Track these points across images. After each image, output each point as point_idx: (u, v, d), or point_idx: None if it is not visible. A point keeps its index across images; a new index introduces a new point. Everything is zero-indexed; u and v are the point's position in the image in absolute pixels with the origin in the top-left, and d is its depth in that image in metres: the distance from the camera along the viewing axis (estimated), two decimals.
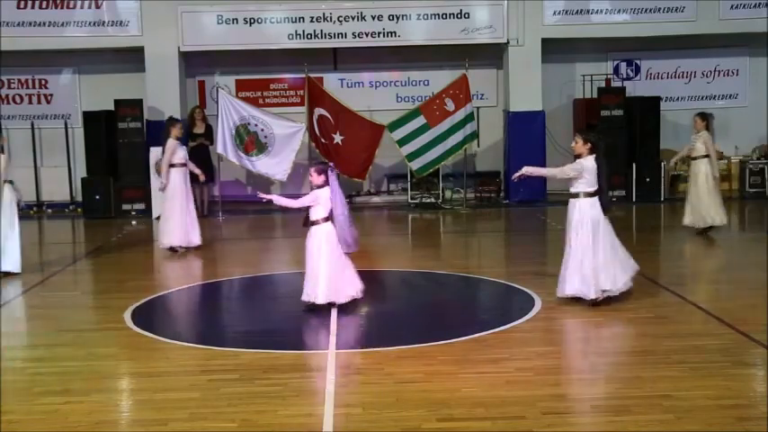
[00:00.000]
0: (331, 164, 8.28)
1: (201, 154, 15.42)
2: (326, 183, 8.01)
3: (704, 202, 11.91)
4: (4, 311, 8.57)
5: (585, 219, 8.02)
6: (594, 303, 8.00)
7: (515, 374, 6.53)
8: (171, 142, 11.60)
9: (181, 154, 11.71)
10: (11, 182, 10.40)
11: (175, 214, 11.48)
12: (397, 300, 9.43)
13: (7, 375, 6.47)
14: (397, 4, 15.78)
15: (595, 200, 8.09)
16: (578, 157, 8.18)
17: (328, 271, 7.98)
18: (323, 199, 8.01)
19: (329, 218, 8.06)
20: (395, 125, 15.33)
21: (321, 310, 7.99)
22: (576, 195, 8.13)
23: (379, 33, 15.83)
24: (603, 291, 8.04)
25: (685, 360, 6.50)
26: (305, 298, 8.06)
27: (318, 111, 15.42)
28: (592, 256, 7.98)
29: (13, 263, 10.22)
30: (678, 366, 6.37)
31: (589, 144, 8.16)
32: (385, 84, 17.13)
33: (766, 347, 6.69)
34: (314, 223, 8.09)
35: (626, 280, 8.17)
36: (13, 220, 10.25)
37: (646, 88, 16.91)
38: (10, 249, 10.15)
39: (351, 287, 8.15)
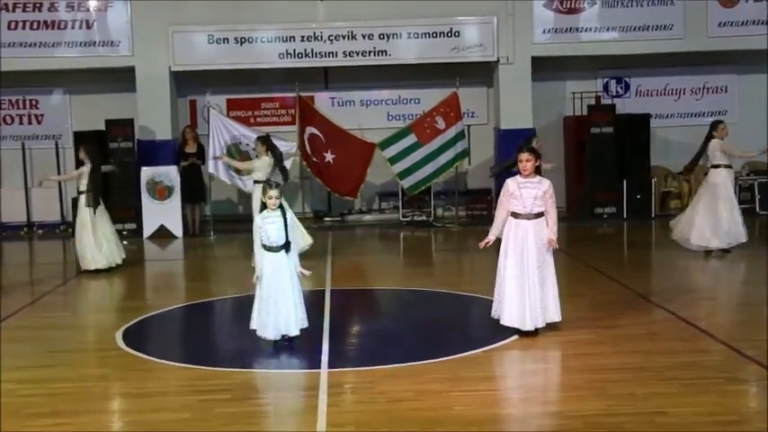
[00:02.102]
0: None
1: (193, 173, 15.45)
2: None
3: None
4: None
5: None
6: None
7: (508, 392, 6.53)
8: (266, 159, 11.98)
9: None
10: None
11: None
12: (389, 318, 9.41)
13: None
14: (387, 23, 15.84)
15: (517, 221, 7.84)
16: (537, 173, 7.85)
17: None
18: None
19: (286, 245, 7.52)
20: (386, 143, 15.36)
21: (313, 330, 7.96)
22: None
23: (369, 52, 15.88)
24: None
25: (678, 376, 6.50)
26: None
27: (309, 129, 15.44)
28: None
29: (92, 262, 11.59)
30: (671, 383, 6.37)
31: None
32: (376, 102, 17.18)
33: (766, 367, 6.67)
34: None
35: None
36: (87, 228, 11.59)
37: (635, 106, 16.98)
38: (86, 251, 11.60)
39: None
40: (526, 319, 7.65)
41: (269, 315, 7.45)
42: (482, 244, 7.93)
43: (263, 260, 7.51)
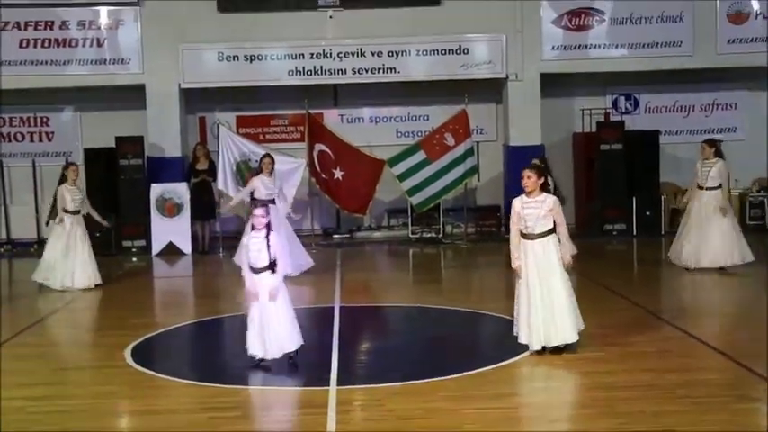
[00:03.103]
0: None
1: (204, 190, 15.47)
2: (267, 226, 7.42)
3: None
4: (3, 350, 8.53)
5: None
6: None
7: (518, 410, 6.49)
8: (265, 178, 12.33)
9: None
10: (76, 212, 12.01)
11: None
12: (398, 335, 9.40)
13: (6, 415, 6.42)
14: (396, 41, 15.89)
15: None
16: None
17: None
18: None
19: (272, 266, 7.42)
20: (395, 160, 15.37)
21: (322, 346, 7.94)
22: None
23: (378, 69, 15.92)
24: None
25: (689, 394, 6.47)
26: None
27: (319, 146, 15.47)
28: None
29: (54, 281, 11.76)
30: (682, 401, 6.33)
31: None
32: (385, 119, 17.20)
33: (767, 379, 6.64)
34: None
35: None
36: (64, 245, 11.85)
37: (644, 122, 16.97)
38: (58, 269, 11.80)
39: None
40: (533, 338, 7.63)
41: (249, 332, 7.46)
42: (517, 274, 7.79)
43: (248, 280, 7.51)
